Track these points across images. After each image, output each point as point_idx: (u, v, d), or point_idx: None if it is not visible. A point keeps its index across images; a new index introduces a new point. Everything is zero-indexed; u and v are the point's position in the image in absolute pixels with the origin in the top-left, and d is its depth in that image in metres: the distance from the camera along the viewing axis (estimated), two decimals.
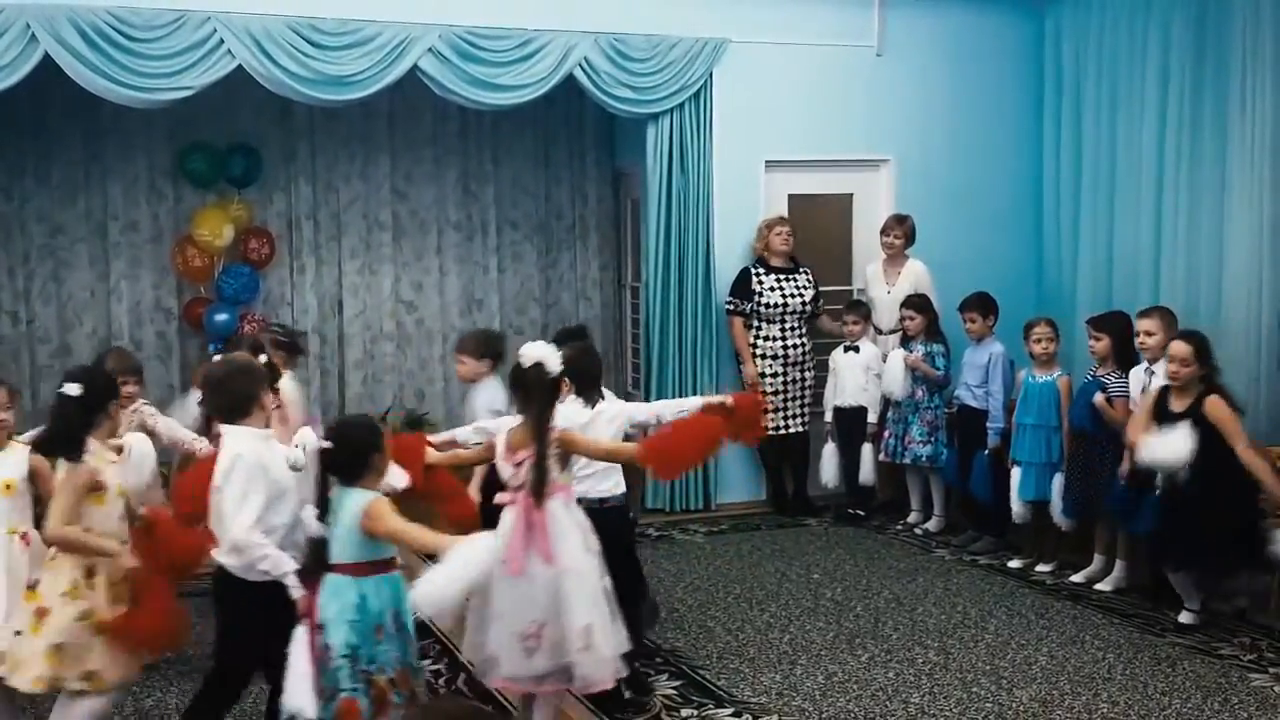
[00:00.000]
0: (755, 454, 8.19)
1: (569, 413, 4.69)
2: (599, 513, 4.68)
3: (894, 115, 8.47)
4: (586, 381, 4.89)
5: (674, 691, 5.21)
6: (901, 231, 7.94)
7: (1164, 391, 5.88)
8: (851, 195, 8.68)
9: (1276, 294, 6.99)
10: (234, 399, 4.13)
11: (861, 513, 7.96)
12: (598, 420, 4.87)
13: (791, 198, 8.42)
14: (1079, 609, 6.19)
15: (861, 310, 7.94)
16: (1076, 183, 8.40)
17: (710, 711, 5.01)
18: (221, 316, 8.21)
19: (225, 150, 8.31)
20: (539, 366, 4.32)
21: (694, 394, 7.94)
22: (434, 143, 8.95)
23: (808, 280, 8.02)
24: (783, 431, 8.00)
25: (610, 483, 4.98)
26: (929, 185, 8.47)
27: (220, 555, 4.04)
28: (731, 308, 8.00)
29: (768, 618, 6.14)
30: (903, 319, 7.63)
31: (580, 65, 7.66)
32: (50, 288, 8.21)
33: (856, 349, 7.82)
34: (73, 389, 4.22)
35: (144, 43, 6.81)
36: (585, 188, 9.39)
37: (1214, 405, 5.66)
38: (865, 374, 7.80)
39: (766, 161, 8.24)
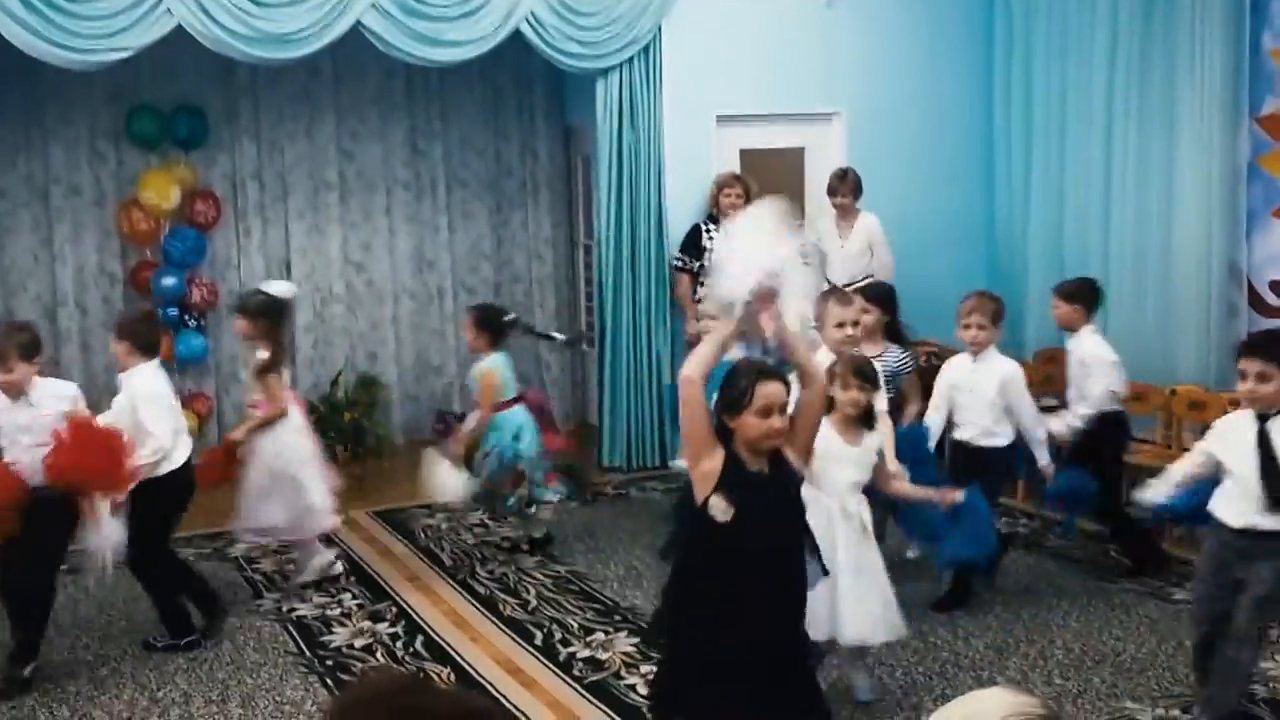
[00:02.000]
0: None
1: None
2: None
3: (845, 68, 8.42)
4: None
5: (632, 648, 5.22)
6: (846, 188, 7.87)
7: None
8: (803, 149, 8.64)
9: (1225, 242, 7.05)
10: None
11: None
12: None
13: (743, 153, 8.36)
14: (1033, 557, 6.25)
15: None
16: (1028, 134, 8.42)
17: None
18: (169, 280, 8.09)
19: (171, 112, 8.16)
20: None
21: (649, 351, 7.95)
22: (380, 100, 8.82)
23: None
24: None
25: None
26: (880, 138, 8.44)
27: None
28: (679, 264, 7.94)
29: None
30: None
31: (527, 20, 7.55)
32: None
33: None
34: None
35: (81, 3, 6.63)
36: (535, 145, 9.30)
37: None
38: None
39: (717, 116, 8.18)
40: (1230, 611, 4.21)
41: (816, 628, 4.08)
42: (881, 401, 4.97)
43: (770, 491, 3.44)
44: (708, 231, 7.83)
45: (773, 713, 3.47)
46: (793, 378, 3.64)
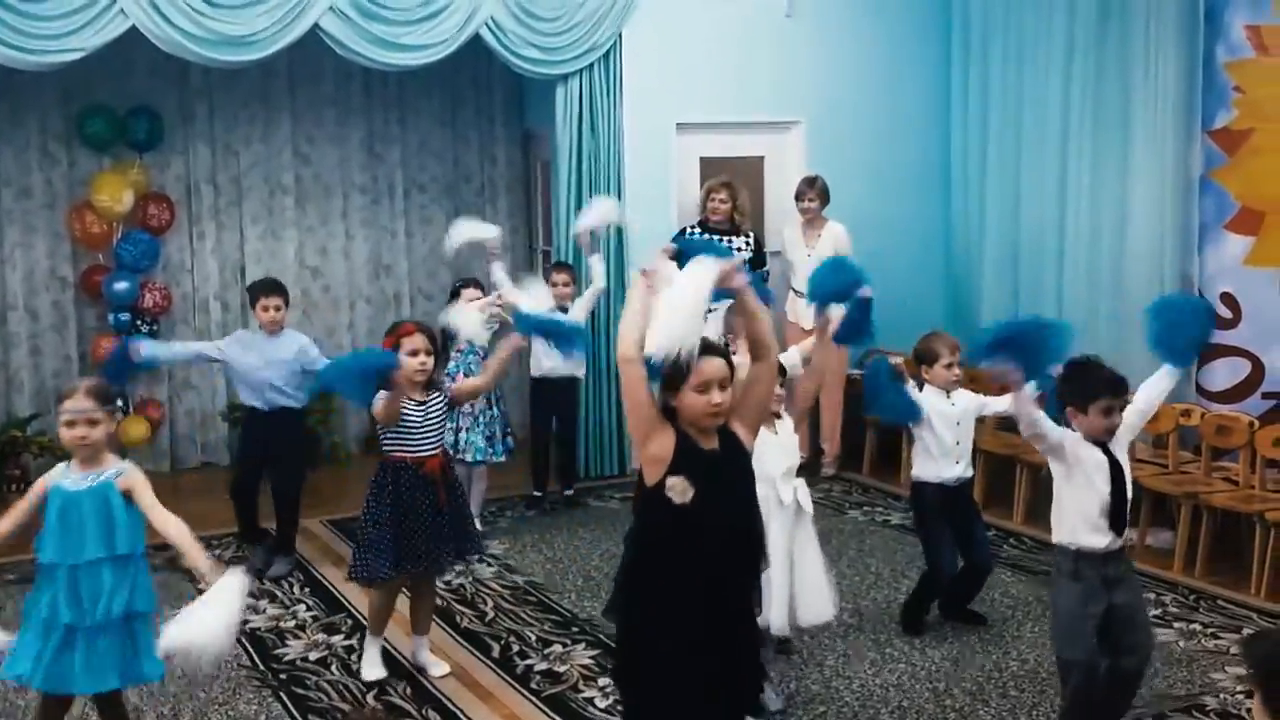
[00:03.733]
0: None
1: None
2: None
3: (804, 77, 8.45)
4: None
5: (591, 660, 5.20)
6: (815, 193, 7.91)
7: None
8: (763, 158, 8.66)
9: (1178, 254, 7.12)
10: None
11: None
12: None
13: (703, 160, 8.37)
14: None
15: (570, 271, 7.39)
16: (984, 145, 8.48)
17: None
18: (121, 284, 7.99)
19: (124, 113, 8.06)
20: None
21: (608, 358, 7.93)
22: (336, 104, 8.75)
23: (746, 242, 7.83)
24: None
25: None
26: (839, 147, 8.47)
27: None
28: None
29: None
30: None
31: (487, 24, 7.51)
32: None
33: (565, 309, 7.01)
34: None
35: (33, 3, 6.53)
36: (494, 150, 9.27)
37: None
38: None
39: (677, 124, 8.17)
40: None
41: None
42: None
43: (725, 471, 3.37)
44: (693, 235, 7.80)
45: (721, 693, 3.46)
46: (742, 353, 3.66)
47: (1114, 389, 4.15)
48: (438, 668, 5.10)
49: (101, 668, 3.87)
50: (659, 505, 3.31)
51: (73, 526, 3.85)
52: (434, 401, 4.91)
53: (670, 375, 3.32)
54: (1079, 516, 4.16)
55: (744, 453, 3.45)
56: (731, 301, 3.76)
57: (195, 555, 3.84)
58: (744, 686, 3.54)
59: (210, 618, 3.55)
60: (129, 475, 3.96)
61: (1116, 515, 4.12)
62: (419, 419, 4.85)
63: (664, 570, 3.37)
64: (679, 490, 3.28)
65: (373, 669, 5.01)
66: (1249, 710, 1.81)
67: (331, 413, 8.24)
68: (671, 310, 3.29)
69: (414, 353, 4.83)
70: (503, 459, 6.97)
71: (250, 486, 6.38)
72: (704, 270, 3.34)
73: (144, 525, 3.96)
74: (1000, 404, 5.47)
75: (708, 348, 3.34)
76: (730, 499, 3.39)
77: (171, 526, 3.88)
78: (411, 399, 4.82)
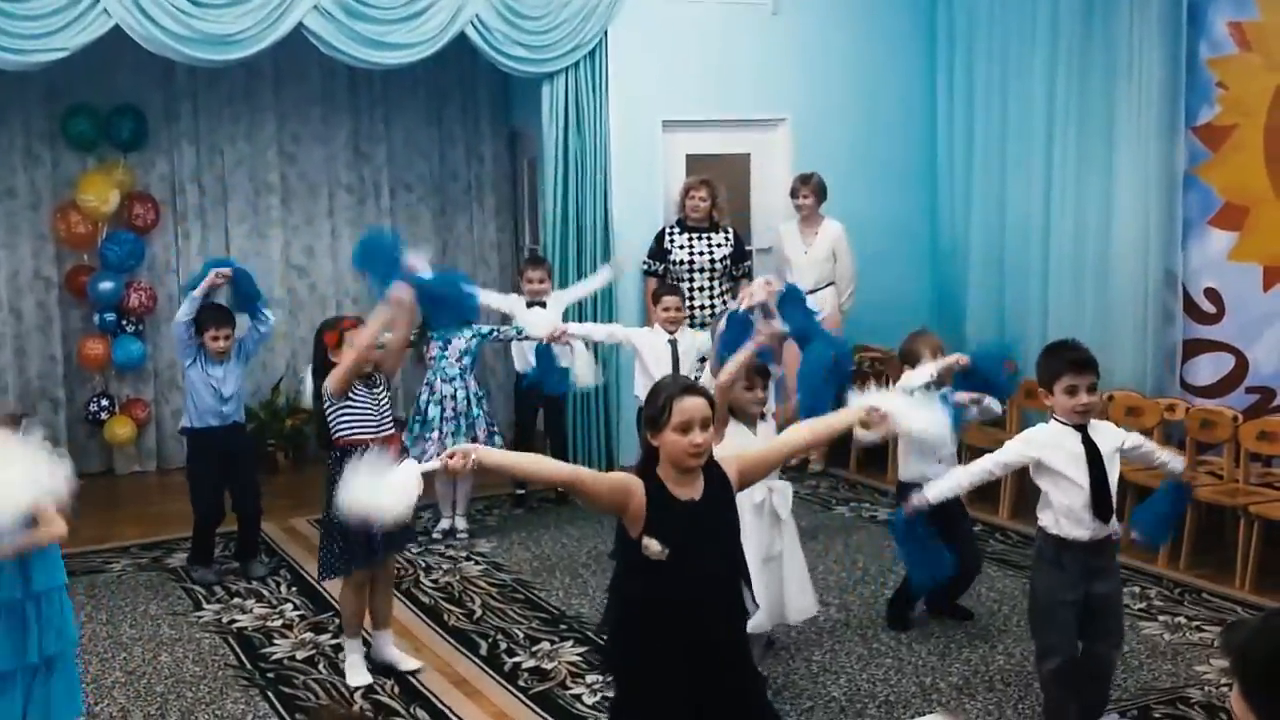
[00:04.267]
0: None
1: None
2: None
3: (790, 74, 8.46)
4: None
5: (578, 658, 5.20)
6: (809, 190, 7.91)
7: None
8: (749, 155, 8.67)
9: (1162, 250, 7.15)
10: None
11: None
12: None
13: (689, 158, 8.37)
14: None
15: (545, 266, 7.42)
16: (969, 140, 8.50)
17: None
18: (106, 285, 7.98)
19: (108, 113, 8.03)
20: None
21: (595, 356, 7.92)
22: (322, 102, 8.74)
23: (725, 239, 7.83)
24: None
25: None
26: (825, 144, 8.48)
27: None
28: (646, 268, 7.93)
29: None
30: None
31: (472, 23, 7.51)
32: None
33: (543, 304, 7.10)
34: None
35: (15, 2, 6.51)
36: (480, 148, 9.26)
37: None
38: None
39: (663, 121, 8.18)
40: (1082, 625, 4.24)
41: None
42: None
43: (703, 521, 3.32)
44: (671, 235, 7.81)
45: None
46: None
47: (1076, 368, 4.16)
48: (407, 663, 5.10)
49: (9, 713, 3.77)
50: (638, 556, 3.28)
51: None
52: (380, 390, 4.95)
53: (650, 417, 3.31)
54: (1061, 509, 4.18)
55: (728, 493, 3.40)
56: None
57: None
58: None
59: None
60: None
61: (1100, 505, 4.14)
62: (369, 402, 4.87)
63: (646, 616, 3.33)
64: (653, 552, 3.24)
65: (358, 675, 4.99)
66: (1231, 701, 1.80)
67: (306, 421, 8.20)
68: None
69: None
70: None
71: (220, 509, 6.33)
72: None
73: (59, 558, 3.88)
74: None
75: (688, 388, 3.33)
76: (710, 548, 3.35)
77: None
78: (359, 385, 4.84)
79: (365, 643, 5.12)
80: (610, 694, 3.67)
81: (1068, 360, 4.18)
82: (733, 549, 3.46)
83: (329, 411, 4.84)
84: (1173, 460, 4.47)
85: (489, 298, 6.87)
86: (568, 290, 7.32)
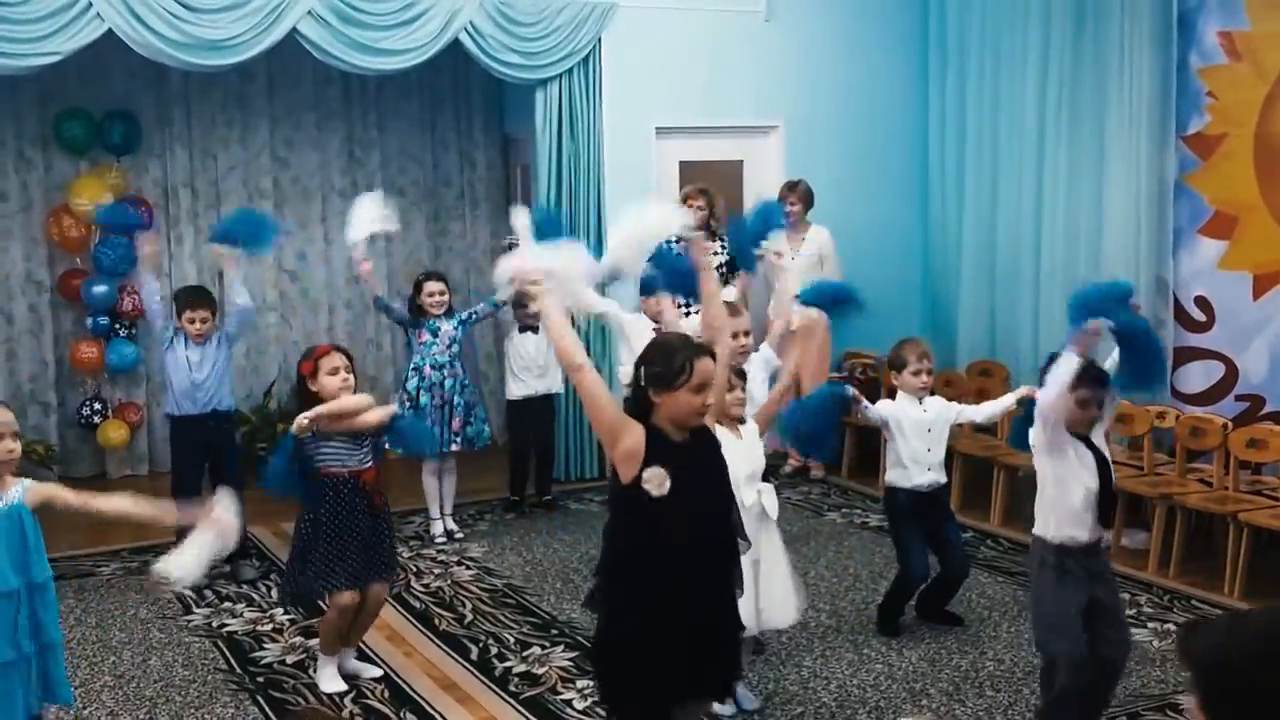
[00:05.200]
0: None
1: None
2: None
3: (783, 81, 8.48)
4: None
5: (569, 663, 5.20)
6: (796, 197, 7.94)
7: None
8: (742, 162, 8.69)
9: (1153, 258, 7.18)
10: None
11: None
12: None
13: (682, 164, 8.39)
14: None
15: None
16: (961, 148, 8.53)
17: None
18: (100, 288, 7.97)
19: (102, 116, 8.03)
20: None
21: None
22: (315, 107, 8.74)
23: (722, 246, 7.84)
24: None
25: None
26: (817, 151, 8.51)
27: None
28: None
29: None
30: None
31: (466, 29, 7.52)
32: None
33: (535, 329, 7.07)
34: None
35: (8, 6, 6.51)
36: (474, 154, 9.27)
37: None
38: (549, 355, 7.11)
39: (657, 128, 8.19)
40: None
41: None
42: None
43: (698, 460, 3.40)
44: (669, 244, 7.78)
45: (698, 685, 3.50)
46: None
47: (1090, 380, 4.19)
48: (369, 671, 5.10)
49: (10, 709, 3.78)
50: (636, 501, 3.34)
51: None
52: None
53: (664, 375, 3.35)
54: (1066, 511, 4.20)
55: (714, 440, 3.51)
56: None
57: (158, 513, 3.84)
58: (721, 671, 3.57)
59: (203, 541, 3.62)
60: (36, 487, 3.87)
61: (1104, 508, 4.18)
62: (346, 437, 4.82)
63: (644, 561, 3.39)
64: (656, 482, 3.30)
65: (331, 682, 4.97)
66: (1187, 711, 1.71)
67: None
68: (620, 238, 3.58)
69: (334, 371, 4.80)
70: (455, 448, 6.90)
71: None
72: (662, 215, 3.67)
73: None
74: (977, 414, 5.53)
75: (703, 349, 3.41)
76: (706, 487, 3.44)
77: (118, 501, 3.84)
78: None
79: None
80: (595, 635, 3.68)
81: (1086, 376, 4.20)
82: (724, 488, 3.54)
83: (306, 442, 4.79)
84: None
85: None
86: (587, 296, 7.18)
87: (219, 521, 3.75)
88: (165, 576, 3.68)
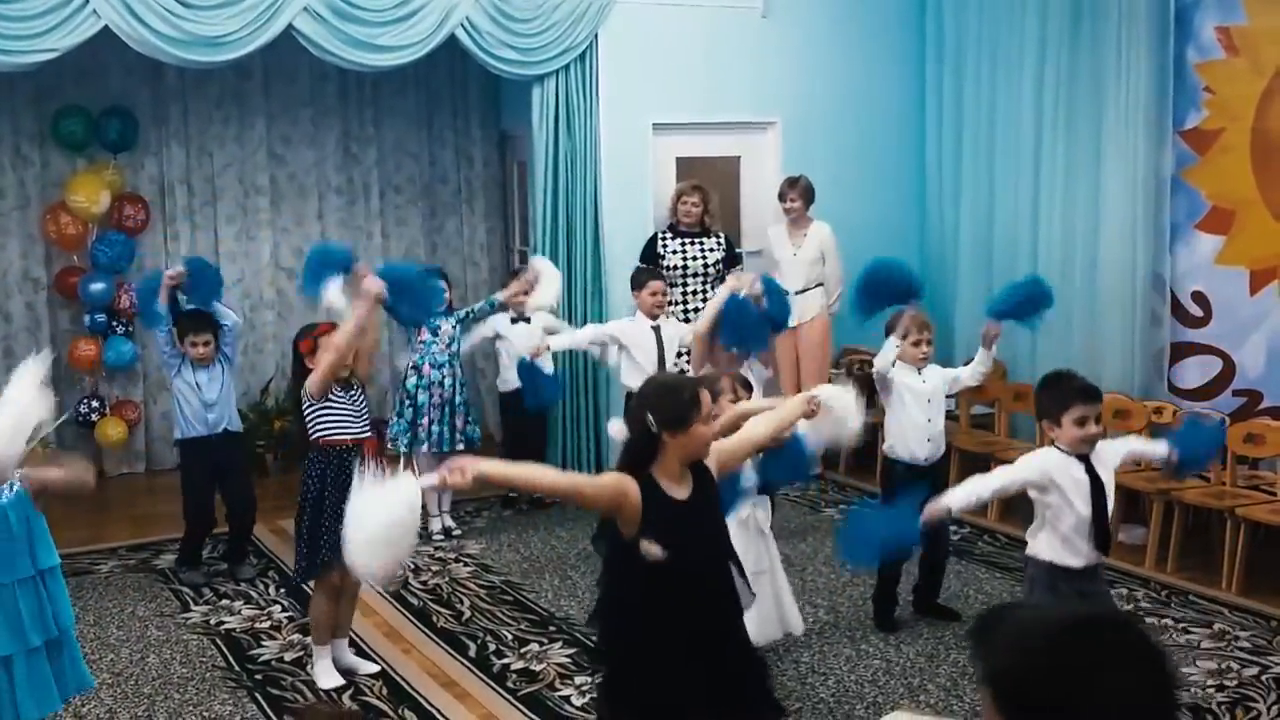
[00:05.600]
0: None
1: None
2: None
3: (780, 77, 8.47)
4: None
5: (568, 659, 5.20)
6: (797, 193, 7.93)
7: None
8: (739, 158, 8.68)
9: (1150, 253, 7.18)
10: None
11: None
12: None
13: (679, 160, 8.38)
14: (963, 564, 6.32)
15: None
16: (958, 144, 8.53)
17: None
18: (97, 285, 7.96)
19: (99, 113, 8.02)
20: None
21: (585, 357, 7.92)
22: (311, 104, 8.73)
23: (716, 243, 7.81)
24: None
25: None
26: (814, 148, 8.49)
27: None
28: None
29: None
30: None
31: (462, 25, 7.50)
32: None
33: (527, 320, 7.14)
34: None
35: (4, 3, 6.48)
36: (470, 151, 9.26)
37: None
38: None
39: (654, 124, 8.18)
40: None
41: None
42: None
43: (697, 517, 3.37)
44: (663, 241, 7.79)
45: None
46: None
47: (1086, 397, 4.15)
48: (366, 666, 5.11)
49: (44, 692, 3.80)
50: (633, 558, 3.29)
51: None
52: (356, 392, 4.95)
53: (677, 414, 3.31)
54: (1057, 536, 4.18)
55: (713, 485, 3.47)
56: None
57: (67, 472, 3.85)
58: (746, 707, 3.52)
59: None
60: (31, 475, 3.84)
61: (1099, 533, 4.15)
62: (346, 404, 4.88)
63: (646, 617, 3.34)
64: (652, 555, 3.26)
65: (328, 678, 4.98)
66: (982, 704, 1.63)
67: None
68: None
69: None
70: (460, 448, 6.91)
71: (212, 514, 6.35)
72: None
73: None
74: (968, 375, 5.51)
75: (696, 380, 3.48)
76: (704, 544, 3.40)
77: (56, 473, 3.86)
78: (337, 388, 4.84)
79: None
80: (600, 684, 3.66)
81: (1078, 389, 4.16)
82: (724, 540, 3.52)
83: (308, 412, 4.86)
84: (1158, 446, 4.47)
85: (474, 332, 7.20)
86: (555, 337, 7.13)
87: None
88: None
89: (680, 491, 3.35)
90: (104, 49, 7.11)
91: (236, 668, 5.17)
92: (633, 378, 6.47)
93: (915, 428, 5.35)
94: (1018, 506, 5.99)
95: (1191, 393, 7.02)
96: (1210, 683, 4.86)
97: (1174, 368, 7.11)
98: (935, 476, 5.47)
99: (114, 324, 8.12)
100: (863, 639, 5.37)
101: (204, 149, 8.49)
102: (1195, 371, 7.05)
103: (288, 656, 5.27)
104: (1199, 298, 7.05)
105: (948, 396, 5.64)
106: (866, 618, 5.59)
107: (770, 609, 4.88)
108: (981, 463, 7.22)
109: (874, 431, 7.18)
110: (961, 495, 4.29)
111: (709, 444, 3.42)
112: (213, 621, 5.69)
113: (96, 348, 8.04)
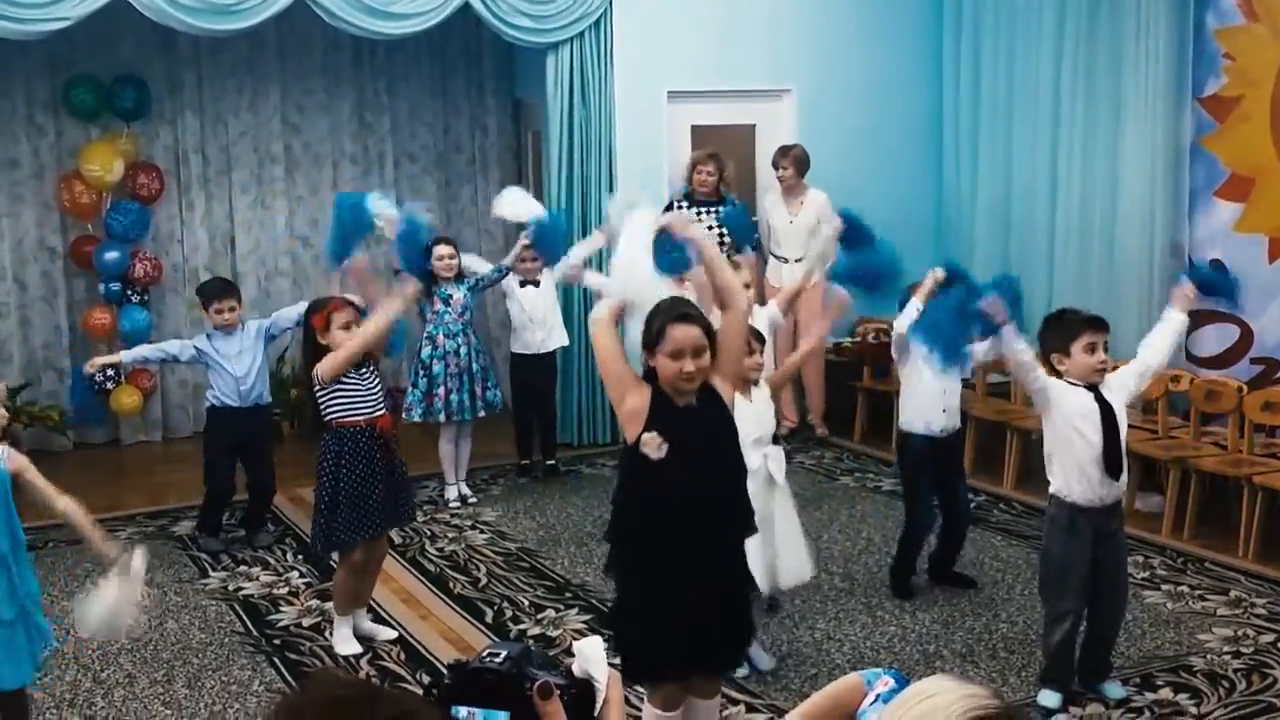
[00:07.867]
0: None
1: None
2: None
3: (795, 45, 8.42)
4: None
5: (584, 626, 5.23)
6: (789, 161, 7.91)
7: None
8: (754, 126, 8.64)
9: (1168, 221, 7.14)
10: None
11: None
12: None
13: (694, 129, 8.34)
14: (978, 531, 6.29)
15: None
16: (975, 113, 8.47)
17: None
18: (112, 254, 7.97)
19: (111, 82, 8.01)
20: None
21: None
22: (325, 73, 8.71)
23: (717, 220, 7.86)
24: None
25: None
26: (830, 116, 8.45)
27: None
28: None
29: None
30: None
31: None
32: None
33: (536, 283, 7.14)
34: None
35: None
36: (485, 119, 9.23)
37: None
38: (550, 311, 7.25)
39: (669, 92, 8.14)
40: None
41: None
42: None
43: (702, 424, 3.40)
44: (679, 209, 7.76)
45: (708, 646, 3.50)
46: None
47: (1093, 325, 4.21)
48: (384, 633, 5.14)
49: (19, 660, 3.83)
50: (637, 462, 3.36)
51: None
52: (368, 371, 4.90)
53: (646, 336, 3.38)
54: (1072, 467, 4.21)
55: (722, 404, 3.47)
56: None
57: (93, 535, 3.84)
58: (731, 635, 3.58)
59: (120, 595, 3.63)
60: (15, 455, 3.86)
61: (1111, 461, 4.16)
62: (359, 385, 4.84)
63: (644, 523, 3.42)
64: (653, 446, 3.32)
65: (347, 645, 5.00)
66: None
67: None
68: (618, 262, 3.47)
69: (346, 325, 4.80)
70: (481, 414, 6.94)
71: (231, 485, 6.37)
72: (641, 221, 3.50)
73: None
74: (979, 348, 5.45)
75: (683, 315, 3.37)
76: (708, 451, 3.42)
77: (62, 504, 3.82)
78: (349, 371, 4.80)
79: None
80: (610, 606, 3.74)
81: (1085, 318, 4.24)
82: (731, 449, 3.51)
83: (320, 395, 4.82)
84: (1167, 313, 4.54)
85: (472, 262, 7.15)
86: (561, 263, 7.13)
87: (131, 576, 3.72)
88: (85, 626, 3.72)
89: (683, 401, 3.40)
90: (117, 17, 7.08)
91: (255, 633, 5.20)
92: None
93: (931, 394, 5.33)
94: (1033, 473, 5.98)
95: (1209, 360, 6.99)
96: (1226, 649, 4.86)
97: (1192, 336, 7.06)
98: (951, 453, 5.47)
99: (129, 292, 8.13)
100: (878, 606, 5.38)
101: (219, 118, 8.48)
102: (1213, 339, 7.01)
103: (306, 622, 5.31)
104: (1217, 265, 7.00)
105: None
106: (882, 584, 5.60)
107: (768, 561, 4.76)
108: (997, 430, 7.22)
109: (891, 400, 7.17)
110: (1015, 333, 4.30)
111: (678, 378, 3.32)
112: (231, 587, 5.72)
113: (111, 316, 8.06)
